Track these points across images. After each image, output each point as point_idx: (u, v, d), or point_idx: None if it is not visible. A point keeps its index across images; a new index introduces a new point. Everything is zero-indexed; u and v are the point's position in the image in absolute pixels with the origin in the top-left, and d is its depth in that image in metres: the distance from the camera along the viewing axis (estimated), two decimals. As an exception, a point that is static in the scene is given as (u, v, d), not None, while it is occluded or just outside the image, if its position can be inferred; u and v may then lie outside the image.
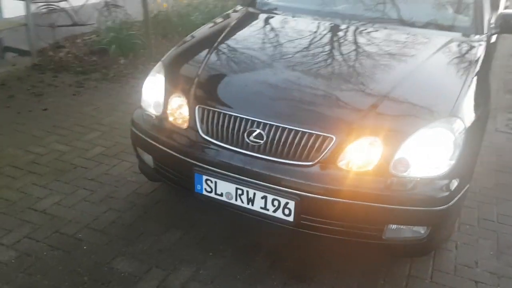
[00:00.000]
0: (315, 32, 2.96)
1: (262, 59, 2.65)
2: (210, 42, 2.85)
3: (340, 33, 2.97)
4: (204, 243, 2.54)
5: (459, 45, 2.84)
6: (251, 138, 2.18)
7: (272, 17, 3.24)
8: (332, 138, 2.08)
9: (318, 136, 2.10)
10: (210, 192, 2.28)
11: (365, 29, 2.99)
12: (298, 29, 3.07)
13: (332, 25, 3.03)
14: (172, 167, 2.45)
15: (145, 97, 2.64)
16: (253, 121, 2.20)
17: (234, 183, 2.20)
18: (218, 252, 2.48)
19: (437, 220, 2.10)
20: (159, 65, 2.71)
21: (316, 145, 2.10)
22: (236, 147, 2.22)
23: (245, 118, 2.21)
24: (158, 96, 2.54)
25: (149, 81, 2.65)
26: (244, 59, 2.71)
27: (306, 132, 2.11)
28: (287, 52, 2.70)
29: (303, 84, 2.39)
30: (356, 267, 2.41)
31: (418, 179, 2.05)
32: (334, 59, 2.62)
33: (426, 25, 2.98)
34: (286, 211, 2.13)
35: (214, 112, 2.29)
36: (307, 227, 2.17)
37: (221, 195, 2.26)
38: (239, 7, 3.48)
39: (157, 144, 2.46)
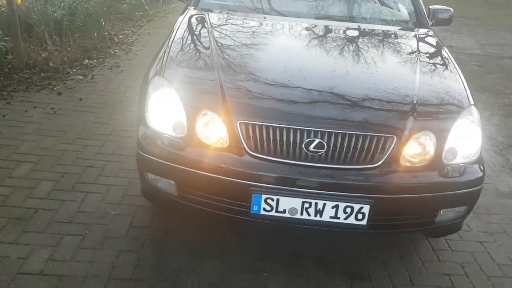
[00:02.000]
0: (304, 33, 2.98)
1: (281, 63, 2.57)
2: (204, 46, 2.63)
3: (323, 33, 3.03)
4: (252, 264, 2.39)
5: (424, 37, 3.17)
6: (311, 148, 2.12)
7: (247, 16, 3.14)
8: (393, 138, 2.15)
9: (380, 137, 2.15)
10: (270, 210, 2.14)
11: (345, 29, 3.12)
12: (288, 30, 3.03)
13: (309, 24, 3.09)
14: (214, 191, 2.22)
15: (156, 117, 2.31)
16: (309, 131, 2.13)
17: (301, 197, 2.11)
18: (269, 269, 2.36)
19: (475, 199, 2.37)
20: (159, 79, 2.38)
21: (380, 146, 2.14)
22: (295, 160, 2.13)
23: (300, 129, 2.13)
24: (177, 115, 2.25)
25: (156, 99, 2.33)
26: (262, 65, 2.56)
27: (368, 135, 2.14)
28: (299, 55, 2.66)
29: (341, 88, 2.39)
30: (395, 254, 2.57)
31: (463, 164, 2.27)
32: (344, 60, 2.68)
33: (383, 22, 3.24)
34: (360, 216, 2.14)
35: (261, 126, 2.14)
36: (378, 227, 2.22)
37: (284, 211, 2.14)
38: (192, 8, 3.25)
39: (188, 169, 2.19)
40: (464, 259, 2.58)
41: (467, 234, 2.79)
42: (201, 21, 3.04)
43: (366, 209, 2.12)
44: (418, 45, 2.96)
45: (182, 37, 2.80)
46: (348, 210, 2.12)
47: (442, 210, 2.29)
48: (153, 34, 6.80)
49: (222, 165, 2.16)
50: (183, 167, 2.21)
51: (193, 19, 3.09)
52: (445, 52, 2.96)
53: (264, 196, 2.11)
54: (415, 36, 3.14)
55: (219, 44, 2.66)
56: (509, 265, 2.56)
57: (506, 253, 2.66)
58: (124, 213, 2.69)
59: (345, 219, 2.15)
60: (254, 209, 2.15)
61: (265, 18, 3.07)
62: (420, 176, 2.19)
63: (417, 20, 3.32)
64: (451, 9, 3.49)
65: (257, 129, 2.14)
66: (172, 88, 2.30)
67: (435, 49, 3.01)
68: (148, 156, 2.30)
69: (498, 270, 2.51)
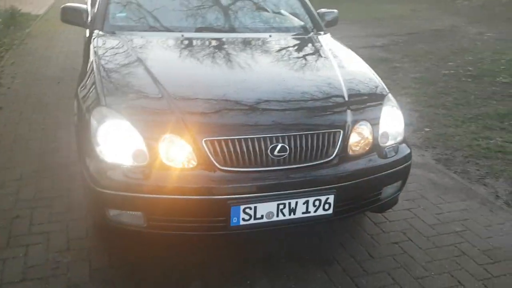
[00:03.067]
0: (228, 47, 3.08)
1: (222, 78, 2.63)
2: (138, 71, 2.59)
3: (244, 45, 3.14)
4: (233, 275, 2.44)
5: (327, 39, 3.46)
6: (276, 153, 2.25)
7: (163, 36, 3.13)
8: (340, 132, 2.38)
9: (330, 133, 2.36)
10: (249, 219, 2.22)
11: (261, 39, 3.27)
12: (211, 45, 3.10)
13: (227, 38, 3.20)
14: (189, 213, 2.22)
15: (110, 149, 2.22)
16: (271, 137, 2.25)
17: (275, 200, 2.23)
18: (250, 276, 2.43)
19: (408, 173, 2.71)
20: (104, 110, 2.29)
21: (331, 141, 2.36)
22: (265, 167, 2.24)
23: (263, 137, 2.24)
24: (135, 144, 2.20)
25: (106, 131, 2.24)
26: (206, 83, 2.57)
27: (320, 133, 2.34)
28: (235, 68, 2.76)
29: (285, 95, 2.53)
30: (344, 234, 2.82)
31: (395, 145, 2.61)
32: (275, 67, 2.84)
33: (289, 30, 3.48)
34: (326, 206, 2.32)
35: (227, 141, 2.21)
36: (340, 213, 2.42)
37: (262, 217, 2.24)
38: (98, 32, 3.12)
39: (158, 196, 2.17)
40: (402, 226, 2.94)
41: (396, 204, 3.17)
42: (120, 44, 2.94)
43: (331, 199, 2.31)
44: (326, 47, 3.25)
45: (108, 63, 2.70)
46: (317, 203, 2.30)
47: (384, 187, 2.60)
48: (20, 64, 6.25)
49: (195, 185, 2.18)
50: (152, 196, 2.18)
51: (110, 43, 2.98)
52: (349, 50, 3.31)
53: (242, 207, 2.19)
54: (320, 39, 3.42)
55: (152, 67, 2.62)
56: (438, 223, 2.98)
57: (432, 214, 3.09)
58: (78, 258, 2.51)
59: (315, 211, 2.32)
60: (234, 221, 2.21)
61: (182, 35, 3.10)
62: (367, 161, 2.45)
63: (314, 24, 3.62)
64: (336, 11, 3.89)
65: (223, 144, 2.20)
66: (123, 118, 2.24)
67: (341, 48, 3.34)
68: (108, 191, 2.20)
69: (432, 230, 2.91)
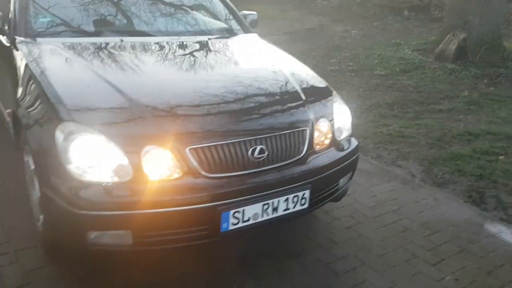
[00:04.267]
0: (177, 50, 3.02)
1: (185, 85, 2.59)
2: (93, 80, 2.42)
3: (186, 49, 3.09)
4: (219, 283, 2.43)
5: (258, 41, 3.57)
6: (255, 155, 2.30)
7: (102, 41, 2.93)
8: (306, 130, 2.52)
9: (299, 131, 2.49)
10: (237, 223, 2.26)
11: (198, 42, 3.24)
12: (155, 50, 2.98)
13: (167, 41, 3.11)
14: (178, 224, 2.17)
15: (86, 167, 2.07)
16: (250, 140, 2.30)
17: (260, 201, 2.29)
18: (236, 280, 2.45)
19: (357, 163, 2.94)
20: (73, 126, 2.12)
21: (301, 139, 2.49)
22: (248, 169, 2.29)
23: (243, 141, 2.29)
24: (114, 159, 2.09)
25: (79, 148, 2.08)
26: (172, 90, 2.50)
27: (291, 132, 2.45)
28: (190, 73, 2.72)
29: (251, 99, 2.58)
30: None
31: (347, 138, 2.83)
32: (226, 71, 2.86)
33: (218, 32, 3.51)
34: (303, 201, 2.45)
35: (210, 147, 2.21)
36: (314, 205, 2.55)
37: (248, 219, 2.29)
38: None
39: (147, 211, 2.09)
40: (349, 211, 3.20)
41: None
42: (57, 52, 2.70)
43: (307, 193, 2.45)
44: (266, 48, 3.37)
45: (53, 73, 2.47)
46: (295, 199, 2.41)
47: (342, 178, 2.81)
48: None
49: (183, 196, 2.15)
50: (140, 211, 2.09)
51: (43, 50, 2.72)
52: (281, 49, 3.46)
53: (231, 211, 2.21)
54: (255, 40, 3.52)
55: (107, 75, 2.48)
56: (376, 205, 3.30)
57: (368, 197, 3.41)
58: (45, 289, 2.29)
59: (294, 207, 2.43)
60: (224, 226, 2.23)
61: (122, 40, 2.94)
62: (330, 155, 2.63)
63: (241, 26, 3.70)
64: (255, 13, 4.01)
65: (206, 151, 2.20)
66: (97, 133, 2.10)
67: (274, 49, 3.47)
68: (89, 212, 2.06)
69: (374, 211, 3.22)
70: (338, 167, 2.66)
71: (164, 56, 2.93)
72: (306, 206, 2.47)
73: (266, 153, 2.33)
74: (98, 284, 2.38)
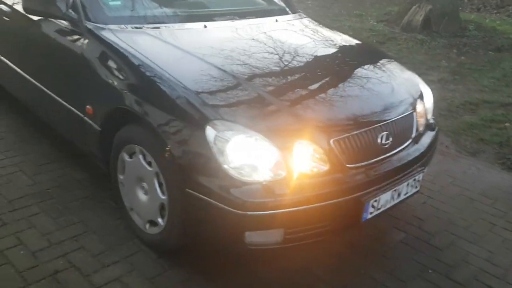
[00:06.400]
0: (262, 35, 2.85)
1: (303, 74, 2.50)
2: (213, 75, 2.28)
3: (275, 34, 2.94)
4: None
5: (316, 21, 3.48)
6: (383, 142, 2.32)
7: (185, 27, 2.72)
8: (413, 112, 2.57)
9: (410, 114, 2.53)
10: (373, 212, 2.28)
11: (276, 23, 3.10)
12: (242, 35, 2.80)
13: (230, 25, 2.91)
14: (326, 218, 2.15)
15: (245, 167, 2.00)
16: (379, 127, 2.32)
17: (391, 188, 2.33)
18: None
19: None
20: (226, 125, 2.01)
21: (411, 121, 2.53)
22: (378, 157, 2.30)
23: (374, 128, 2.29)
24: (271, 157, 2.02)
25: (236, 147, 1.98)
26: (288, 77, 2.43)
27: (405, 115, 2.48)
28: (298, 60, 2.63)
29: (366, 81, 2.57)
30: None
31: (433, 118, 2.91)
32: (327, 55, 2.79)
33: (266, 13, 3.33)
34: (417, 184, 2.51)
35: (349, 137, 2.20)
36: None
37: (380, 207, 2.31)
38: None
39: (300, 208, 2.05)
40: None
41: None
42: (155, 41, 2.50)
43: (420, 176, 2.52)
44: (326, 29, 3.33)
45: (174, 67, 2.27)
46: (413, 182, 2.48)
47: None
48: None
49: (333, 189, 2.13)
50: (293, 209, 2.04)
51: (141, 40, 2.49)
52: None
53: (371, 201, 2.23)
54: (312, 22, 3.40)
55: (224, 66, 2.33)
56: (433, 179, 3.47)
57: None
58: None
59: (410, 191, 2.49)
60: (365, 216, 2.24)
61: (205, 26, 2.74)
62: (429, 135, 2.70)
63: (288, 5, 3.58)
64: None
65: (347, 141, 2.19)
66: (253, 130, 2.00)
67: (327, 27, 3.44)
68: (250, 213, 1.98)
69: (430, 184, 3.39)
70: (434, 146, 2.75)
71: (261, 42, 2.76)
72: (418, 188, 2.55)
73: (391, 139, 2.35)
74: (232, 280, 2.30)
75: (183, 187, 2.08)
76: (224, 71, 2.29)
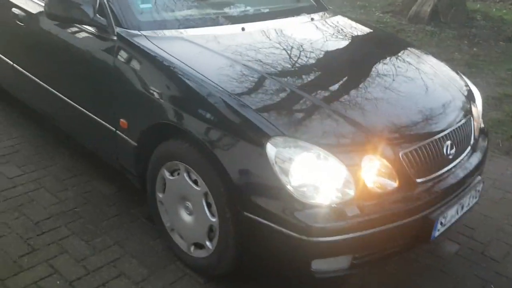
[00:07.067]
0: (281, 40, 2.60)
1: (355, 80, 2.30)
2: (270, 82, 2.10)
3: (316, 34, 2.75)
4: None
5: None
6: (448, 151, 2.15)
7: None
8: (471, 117, 2.40)
9: (467, 120, 2.36)
10: (440, 229, 2.11)
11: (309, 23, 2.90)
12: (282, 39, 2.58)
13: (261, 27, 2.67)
14: (394, 238, 1.98)
15: (311, 187, 1.82)
16: (443, 137, 2.15)
17: (457, 202, 2.16)
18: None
19: None
20: (288, 142, 1.83)
21: (470, 127, 2.37)
22: (443, 168, 2.13)
23: (439, 138, 2.12)
24: (339, 175, 1.84)
25: (301, 166, 1.80)
26: (348, 86, 2.26)
27: (465, 121, 2.32)
28: (348, 65, 2.45)
29: (424, 88, 2.41)
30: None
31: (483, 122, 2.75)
32: (372, 59, 2.60)
33: (300, 11, 3.11)
34: (477, 194, 2.34)
35: (417, 150, 2.02)
36: None
37: (446, 224, 2.14)
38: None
39: (370, 230, 1.87)
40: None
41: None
42: (195, 47, 2.29)
43: (481, 185, 2.36)
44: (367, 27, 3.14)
45: (224, 78, 2.08)
46: (474, 193, 2.31)
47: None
48: None
49: (403, 207, 1.96)
50: (364, 232, 1.87)
51: (181, 47, 2.29)
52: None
53: (440, 218, 2.06)
54: (346, 19, 3.22)
55: (274, 75, 2.14)
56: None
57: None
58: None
59: (471, 202, 2.32)
60: (434, 235, 2.07)
61: (243, 29, 2.52)
62: (483, 138, 2.56)
63: (316, 1, 3.37)
64: None
65: (415, 153, 2.02)
66: (317, 147, 1.82)
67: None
68: (318, 239, 1.81)
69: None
70: (488, 151, 2.59)
71: (306, 45, 2.56)
72: (477, 198, 2.39)
73: (454, 148, 2.18)
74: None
75: (240, 210, 1.89)
76: (278, 81, 2.11)
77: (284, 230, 1.80)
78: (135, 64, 2.23)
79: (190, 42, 2.30)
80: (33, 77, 2.93)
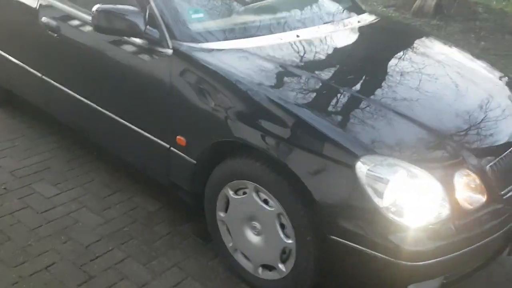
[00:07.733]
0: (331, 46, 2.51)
1: (420, 87, 2.22)
2: (338, 98, 2.00)
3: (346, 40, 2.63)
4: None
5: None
6: None
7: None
8: None
9: None
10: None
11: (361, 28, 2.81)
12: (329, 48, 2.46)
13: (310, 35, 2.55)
14: (483, 256, 1.94)
15: (407, 208, 1.73)
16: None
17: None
18: None
19: None
20: (381, 160, 1.74)
21: None
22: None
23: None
24: (434, 194, 1.76)
25: (397, 186, 1.72)
26: (416, 93, 2.17)
27: None
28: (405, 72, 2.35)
29: (489, 95, 2.34)
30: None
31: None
32: (424, 65, 2.50)
33: (346, 13, 2.97)
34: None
35: (500, 161, 1.97)
36: None
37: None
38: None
39: (464, 250, 1.80)
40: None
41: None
42: (257, 60, 2.18)
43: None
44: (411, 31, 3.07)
45: (295, 94, 1.98)
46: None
47: None
48: None
49: (494, 223, 1.89)
50: (460, 252, 1.79)
51: (245, 61, 2.18)
52: None
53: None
54: (391, 21, 3.14)
55: (353, 87, 2.08)
56: None
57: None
58: None
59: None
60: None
61: (298, 36, 2.41)
62: None
63: (353, 3, 3.26)
64: None
65: (498, 164, 1.96)
66: (410, 163, 1.75)
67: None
68: (416, 263, 1.73)
69: None
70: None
71: (367, 51, 2.50)
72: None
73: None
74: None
75: (325, 233, 1.80)
76: (352, 93, 2.03)
77: (378, 254, 1.71)
78: (195, 79, 2.10)
79: (251, 53, 2.19)
80: (67, 90, 2.78)
